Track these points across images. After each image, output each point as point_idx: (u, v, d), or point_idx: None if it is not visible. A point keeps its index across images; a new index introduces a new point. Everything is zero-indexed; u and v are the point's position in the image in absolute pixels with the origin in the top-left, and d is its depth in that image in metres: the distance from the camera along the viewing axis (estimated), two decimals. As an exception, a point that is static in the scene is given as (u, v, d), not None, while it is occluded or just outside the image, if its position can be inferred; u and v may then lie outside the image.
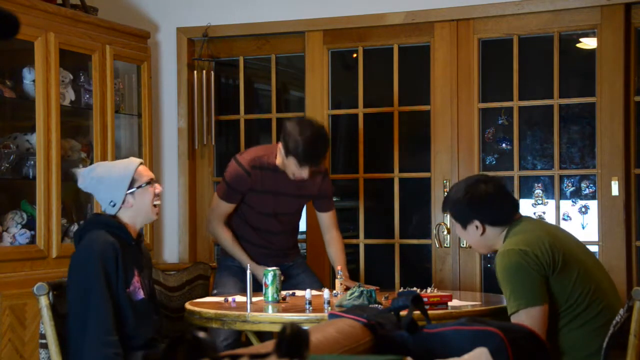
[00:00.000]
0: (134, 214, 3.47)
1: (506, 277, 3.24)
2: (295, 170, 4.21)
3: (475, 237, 3.46)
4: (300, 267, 4.58)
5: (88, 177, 3.48)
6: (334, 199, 4.66)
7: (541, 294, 3.19)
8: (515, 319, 3.17)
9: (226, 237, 4.42)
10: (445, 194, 4.68)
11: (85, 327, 3.24)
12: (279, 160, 4.28)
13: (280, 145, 4.21)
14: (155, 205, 3.52)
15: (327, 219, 4.55)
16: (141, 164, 3.53)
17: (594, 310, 3.24)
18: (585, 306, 3.24)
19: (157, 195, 3.52)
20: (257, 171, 4.31)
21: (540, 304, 3.17)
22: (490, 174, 5.13)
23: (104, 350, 3.20)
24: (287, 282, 4.37)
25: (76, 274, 3.32)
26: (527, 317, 3.13)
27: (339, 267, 4.24)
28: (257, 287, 4.09)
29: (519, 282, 3.20)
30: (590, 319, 3.24)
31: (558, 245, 3.28)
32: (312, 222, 5.33)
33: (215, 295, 4.34)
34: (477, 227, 3.43)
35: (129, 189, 3.45)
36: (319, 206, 4.55)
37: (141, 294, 3.41)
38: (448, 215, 3.67)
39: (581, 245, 3.48)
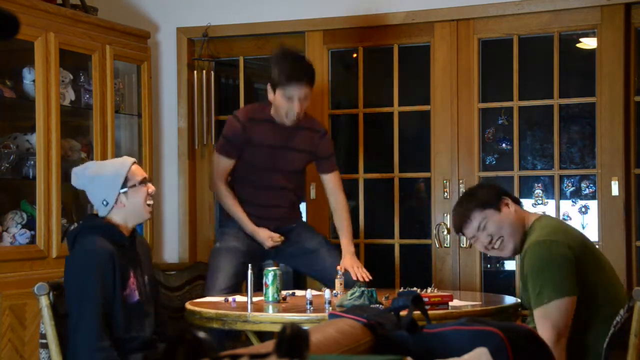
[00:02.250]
0: (126, 214, 3.46)
1: (538, 267, 3.16)
2: (285, 104, 4.29)
3: (512, 215, 3.34)
4: (303, 227, 4.64)
5: (82, 176, 3.48)
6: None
7: (573, 286, 3.15)
8: (545, 309, 3.11)
9: (228, 197, 4.49)
10: (457, 196, 4.70)
11: (78, 332, 3.24)
12: (273, 110, 4.37)
13: (268, 89, 4.34)
14: (148, 205, 3.51)
15: (330, 181, 4.59)
16: (134, 163, 3.52)
17: (609, 312, 3.22)
18: (600, 305, 3.22)
19: (150, 195, 3.51)
20: (254, 123, 4.40)
21: (571, 295, 3.13)
22: (490, 174, 5.16)
23: (96, 356, 3.20)
24: (289, 242, 4.50)
25: (72, 280, 3.32)
26: (556, 308, 3.09)
27: (339, 267, 4.25)
28: (259, 252, 4.27)
29: (551, 273, 3.14)
30: (605, 319, 3.21)
31: (581, 242, 3.27)
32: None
33: (216, 246, 4.51)
34: (508, 204, 3.36)
35: (121, 188, 3.44)
36: (320, 167, 4.60)
37: (136, 296, 3.41)
38: (473, 222, 3.38)
39: (600, 252, 3.48)
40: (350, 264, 4.38)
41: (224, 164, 4.49)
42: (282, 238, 4.47)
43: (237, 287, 4.41)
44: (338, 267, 4.25)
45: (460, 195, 3.61)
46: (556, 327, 3.08)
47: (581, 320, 3.19)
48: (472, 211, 3.37)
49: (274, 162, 4.45)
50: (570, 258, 3.17)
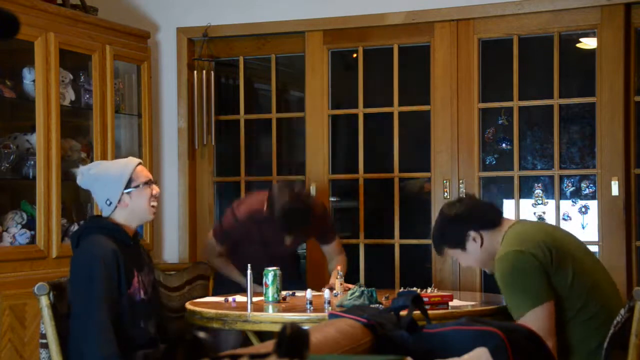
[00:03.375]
0: (129, 214, 3.46)
1: (507, 281, 3.23)
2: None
3: (479, 251, 3.41)
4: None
5: (87, 174, 3.48)
6: (334, 199, 4.70)
7: (545, 291, 3.18)
8: (524, 321, 3.14)
9: (222, 264, 4.59)
10: (457, 197, 4.71)
11: (86, 330, 3.23)
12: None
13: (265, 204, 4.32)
14: (152, 206, 3.51)
15: (329, 251, 4.66)
16: (140, 164, 3.53)
17: (591, 310, 3.24)
18: (582, 304, 3.24)
19: (154, 197, 3.51)
20: (252, 222, 4.43)
21: (546, 301, 3.16)
22: (490, 174, 5.16)
23: (104, 349, 3.20)
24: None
25: (77, 277, 3.31)
26: (534, 318, 3.12)
27: (339, 267, 4.24)
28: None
29: (520, 285, 3.19)
30: (588, 318, 3.24)
31: (552, 243, 3.27)
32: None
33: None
34: (474, 239, 3.39)
35: (125, 188, 3.44)
36: (320, 240, 4.66)
37: (141, 294, 3.41)
38: (447, 255, 3.62)
39: (581, 245, 3.47)
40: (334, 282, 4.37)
41: (218, 248, 4.57)
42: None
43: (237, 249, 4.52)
44: (338, 267, 4.25)
45: (441, 209, 3.63)
46: (542, 332, 3.09)
47: (561, 321, 3.21)
48: (443, 248, 3.55)
49: (269, 251, 4.47)
50: (535, 265, 3.19)
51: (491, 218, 3.43)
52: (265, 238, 4.44)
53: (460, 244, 3.43)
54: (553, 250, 3.24)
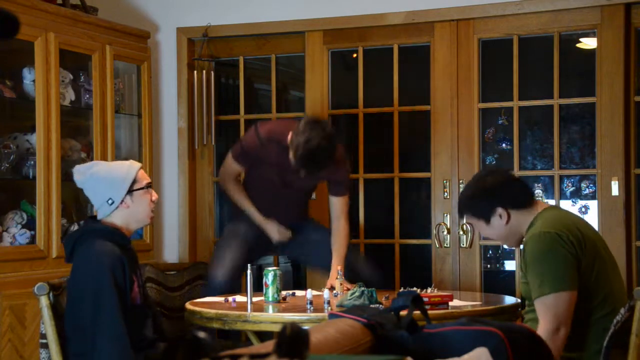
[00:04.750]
0: (129, 216, 3.45)
1: (539, 259, 3.15)
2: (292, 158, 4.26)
3: (502, 228, 3.34)
4: (309, 221, 4.72)
5: (87, 174, 3.46)
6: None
7: (572, 279, 3.13)
8: (545, 301, 3.10)
9: (237, 192, 4.56)
10: (457, 197, 4.66)
11: (98, 324, 3.21)
12: None
13: (291, 133, 4.23)
14: (151, 211, 3.51)
15: (335, 205, 4.57)
16: (141, 167, 3.54)
17: (605, 310, 3.22)
18: (597, 303, 3.22)
19: (153, 202, 3.52)
20: (273, 144, 4.38)
21: (570, 289, 3.12)
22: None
23: (118, 344, 3.20)
24: (294, 233, 4.58)
25: (84, 279, 3.28)
26: (555, 302, 3.09)
27: (339, 267, 4.24)
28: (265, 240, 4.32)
29: (551, 265, 3.13)
30: (599, 318, 3.22)
31: (586, 236, 3.24)
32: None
33: (227, 226, 4.56)
34: (501, 215, 3.32)
35: (129, 188, 3.44)
36: (331, 189, 4.59)
37: (140, 298, 3.42)
38: (467, 220, 3.54)
39: (605, 244, 3.44)
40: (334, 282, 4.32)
41: (236, 168, 4.55)
42: (290, 233, 4.54)
43: (240, 270, 4.41)
44: (339, 268, 4.25)
45: (474, 176, 3.57)
46: (557, 318, 3.08)
47: (578, 316, 3.19)
48: (465, 214, 3.47)
49: (285, 183, 4.48)
50: (570, 251, 3.16)
51: (522, 198, 3.37)
52: (283, 165, 4.37)
53: (485, 217, 3.36)
54: (587, 243, 3.21)
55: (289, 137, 4.21)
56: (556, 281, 3.12)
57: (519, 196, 3.37)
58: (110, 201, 3.43)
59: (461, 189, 5.05)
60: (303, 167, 4.22)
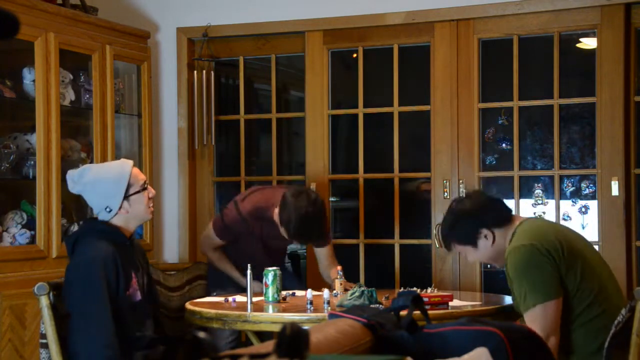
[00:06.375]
0: (128, 218, 3.44)
1: (519, 273, 3.19)
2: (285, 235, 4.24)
3: (489, 249, 3.38)
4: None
5: (80, 183, 3.41)
6: (334, 199, 4.68)
7: (555, 288, 3.16)
8: (532, 314, 3.14)
9: (217, 259, 4.53)
10: (456, 197, 4.65)
11: (87, 331, 3.22)
12: (276, 216, 4.26)
13: (275, 210, 4.21)
14: (149, 207, 3.49)
15: (322, 254, 4.55)
16: (133, 166, 3.47)
17: (595, 311, 3.24)
18: (587, 305, 3.24)
19: (150, 199, 3.49)
20: (254, 220, 4.38)
21: (555, 297, 3.15)
22: (490, 174, 5.16)
23: (105, 353, 3.19)
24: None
25: (76, 282, 3.29)
26: (542, 313, 3.11)
27: (339, 267, 4.24)
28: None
29: (532, 278, 3.16)
30: (591, 319, 3.23)
31: (564, 241, 3.26)
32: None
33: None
34: (486, 236, 3.36)
35: (125, 194, 3.40)
36: (316, 243, 4.54)
37: (139, 295, 3.41)
38: (455, 251, 3.56)
39: (589, 246, 3.46)
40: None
41: (217, 241, 4.51)
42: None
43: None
44: (338, 268, 4.25)
45: (450, 205, 3.58)
46: (544, 329, 3.11)
47: (566, 319, 3.21)
48: (451, 242, 3.49)
49: (268, 248, 4.48)
50: (548, 260, 3.19)
51: (503, 215, 3.40)
52: (267, 236, 4.41)
53: (471, 241, 3.39)
54: (565, 249, 3.23)
55: (275, 213, 4.21)
56: (538, 292, 3.15)
57: (500, 214, 3.41)
58: (108, 209, 3.40)
59: (463, 190, 5.05)
60: (299, 240, 4.30)
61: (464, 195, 3.63)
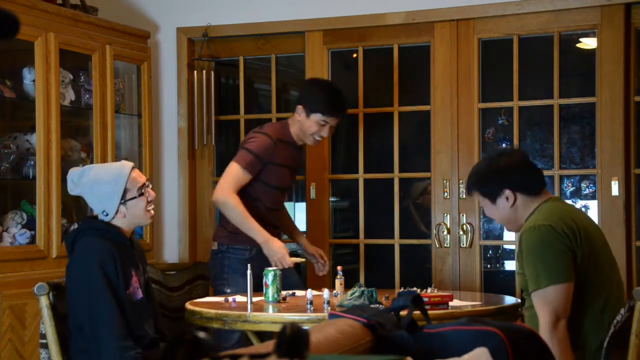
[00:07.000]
0: (126, 221, 3.44)
1: (534, 252, 3.15)
2: (317, 129, 4.40)
3: (506, 210, 3.33)
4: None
5: (79, 184, 3.41)
6: (334, 199, 4.72)
7: (568, 271, 3.13)
8: (542, 294, 3.10)
9: (240, 205, 4.28)
10: (457, 197, 4.64)
11: (98, 338, 3.22)
12: (294, 130, 4.46)
13: (298, 109, 4.42)
14: (149, 211, 3.48)
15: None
16: (133, 168, 3.44)
17: (598, 306, 3.22)
18: (591, 297, 3.21)
19: (150, 202, 3.48)
20: (281, 144, 4.46)
21: (567, 281, 3.12)
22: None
23: (124, 355, 3.19)
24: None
25: (77, 284, 3.30)
26: (553, 294, 3.09)
27: (339, 267, 4.25)
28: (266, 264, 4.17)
29: (546, 258, 3.13)
30: (599, 310, 3.21)
31: (583, 228, 3.23)
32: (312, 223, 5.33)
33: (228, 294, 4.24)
34: (507, 198, 3.30)
35: (121, 199, 3.39)
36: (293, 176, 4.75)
37: (140, 294, 3.41)
38: (475, 195, 3.48)
39: (604, 239, 3.42)
40: (315, 249, 4.66)
41: (244, 178, 4.34)
42: (293, 265, 4.35)
43: None
44: (338, 268, 4.25)
45: (490, 154, 3.56)
46: (555, 310, 3.08)
47: (577, 308, 3.19)
48: (473, 190, 3.45)
49: (286, 183, 4.57)
50: (564, 243, 3.16)
51: (532, 184, 3.35)
52: (289, 161, 4.52)
53: (492, 196, 3.35)
54: (583, 236, 3.20)
55: (298, 111, 4.41)
56: (552, 274, 3.12)
57: (529, 181, 3.35)
58: (105, 213, 3.40)
59: (463, 191, 5.05)
60: (338, 111, 4.41)
61: (506, 151, 3.55)
